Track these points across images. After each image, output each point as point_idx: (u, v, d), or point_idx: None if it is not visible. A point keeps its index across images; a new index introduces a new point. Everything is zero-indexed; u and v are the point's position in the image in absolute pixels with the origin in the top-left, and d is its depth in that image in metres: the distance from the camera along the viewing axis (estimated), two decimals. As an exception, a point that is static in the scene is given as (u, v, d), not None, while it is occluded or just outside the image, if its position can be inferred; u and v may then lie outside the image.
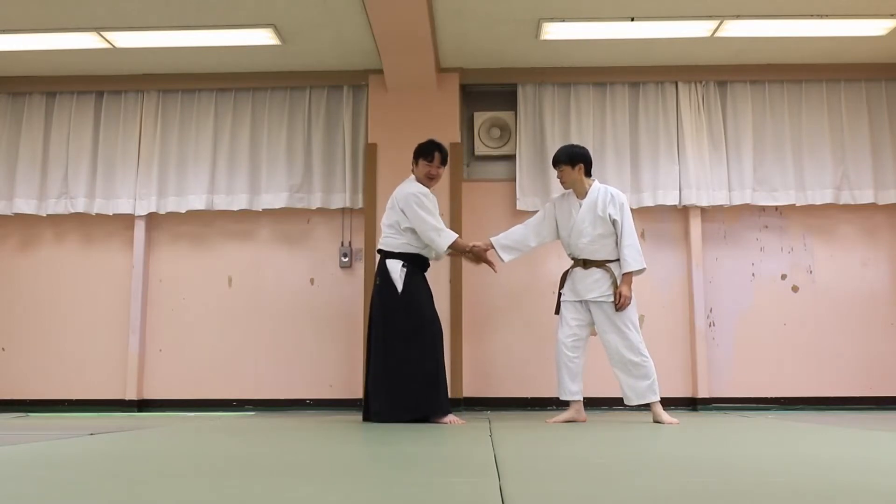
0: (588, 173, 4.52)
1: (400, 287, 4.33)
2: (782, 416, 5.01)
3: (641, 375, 4.30)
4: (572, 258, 4.51)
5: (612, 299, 4.34)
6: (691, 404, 5.84)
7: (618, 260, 4.41)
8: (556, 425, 4.20)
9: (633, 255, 4.36)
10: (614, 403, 5.67)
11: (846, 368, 5.91)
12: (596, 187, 4.49)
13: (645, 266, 4.41)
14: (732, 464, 2.28)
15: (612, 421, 4.60)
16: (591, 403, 5.72)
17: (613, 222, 4.39)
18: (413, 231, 4.36)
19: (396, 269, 4.36)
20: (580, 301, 4.42)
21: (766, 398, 5.87)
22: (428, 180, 4.44)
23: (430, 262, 4.54)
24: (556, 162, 4.51)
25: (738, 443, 3.09)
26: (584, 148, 4.60)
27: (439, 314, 5.79)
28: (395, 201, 4.44)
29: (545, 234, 4.56)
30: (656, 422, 4.29)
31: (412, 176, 4.50)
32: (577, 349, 4.41)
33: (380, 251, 4.49)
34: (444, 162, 4.48)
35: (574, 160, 4.46)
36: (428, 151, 4.43)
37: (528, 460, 2.46)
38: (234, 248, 6.21)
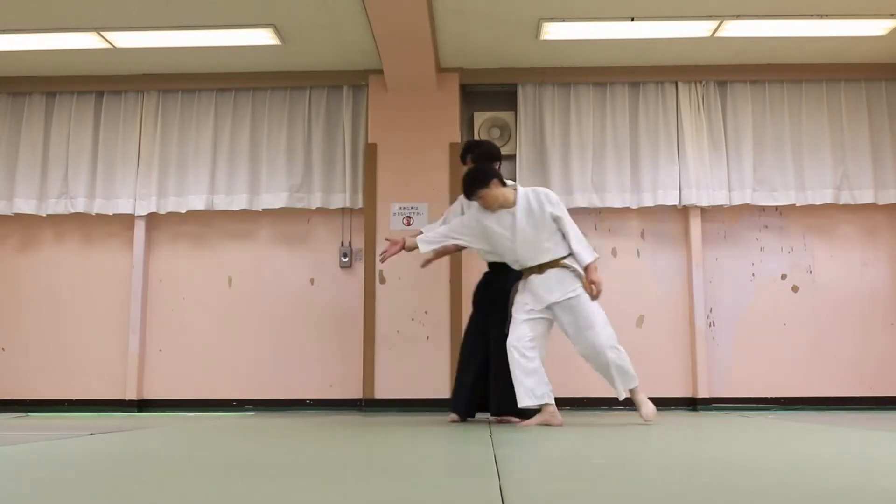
0: (503, 181, 4.26)
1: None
2: (782, 416, 5.00)
3: (621, 367, 4.12)
4: (521, 268, 4.26)
5: (577, 293, 4.13)
6: (691, 404, 5.84)
7: (569, 255, 4.20)
8: (556, 426, 4.18)
9: (583, 248, 4.16)
10: (614, 403, 5.66)
11: (846, 368, 5.91)
12: (522, 192, 4.24)
13: (597, 254, 4.20)
14: (732, 464, 2.28)
15: (611, 421, 4.60)
16: (591, 403, 5.74)
17: (556, 219, 4.18)
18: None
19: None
20: (545, 308, 4.18)
21: (766, 398, 5.87)
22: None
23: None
24: (470, 192, 4.19)
25: (738, 443, 3.09)
26: (488, 160, 4.42)
27: (438, 314, 5.84)
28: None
29: (472, 244, 4.40)
30: (636, 410, 4.19)
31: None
32: (535, 349, 4.15)
33: None
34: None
35: (488, 179, 4.18)
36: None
37: (528, 460, 2.46)
38: (234, 248, 6.20)
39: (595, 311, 4.16)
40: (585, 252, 4.17)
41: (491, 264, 4.59)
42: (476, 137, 6.10)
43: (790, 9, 5.11)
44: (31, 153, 6.19)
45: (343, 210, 6.11)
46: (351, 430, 3.86)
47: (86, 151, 6.18)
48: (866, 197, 5.93)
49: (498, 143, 6.13)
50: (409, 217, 5.83)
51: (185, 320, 6.11)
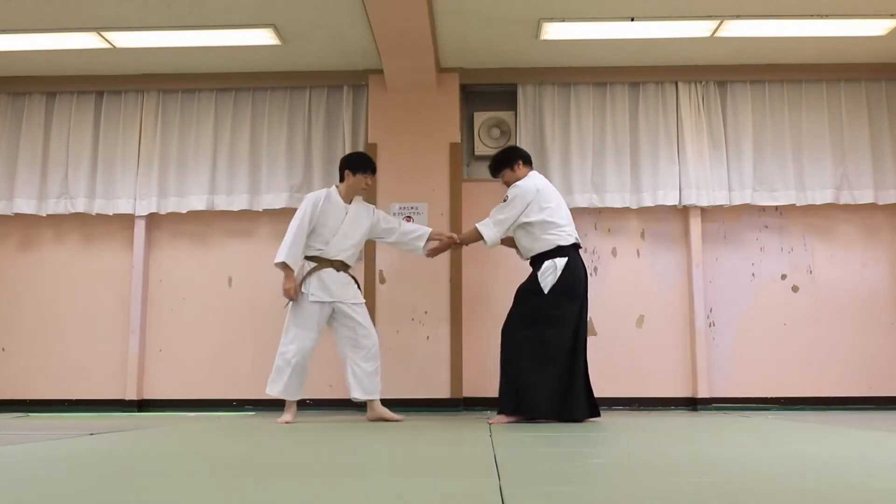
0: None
1: None
2: (782, 416, 5.01)
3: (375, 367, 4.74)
4: (327, 259, 4.64)
5: (359, 300, 4.72)
6: (691, 404, 5.84)
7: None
8: (556, 425, 4.19)
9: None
10: (613, 403, 5.67)
11: (846, 368, 5.91)
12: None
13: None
14: (733, 464, 2.28)
15: (611, 421, 4.59)
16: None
17: (389, 230, 4.81)
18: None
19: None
20: (329, 303, 4.62)
21: (766, 398, 5.87)
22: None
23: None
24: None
25: (738, 443, 3.09)
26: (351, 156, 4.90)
27: (438, 313, 5.83)
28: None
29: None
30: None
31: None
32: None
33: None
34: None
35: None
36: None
37: (528, 460, 2.46)
38: (234, 247, 6.20)
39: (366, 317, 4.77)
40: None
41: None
42: (476, 137, 6.12)
43: (790, 9, 5.11)
44: (31, 153, 6.19)
45: (343, 210, 6.11)
46: (350, 430, 3.86)
47: (86, 151, 6.18)
48: (866, 197, 5.93)
49: (498, 143, 6.15)
50: (410, 217, 5.83)
51: (184, 320, 6.11)
